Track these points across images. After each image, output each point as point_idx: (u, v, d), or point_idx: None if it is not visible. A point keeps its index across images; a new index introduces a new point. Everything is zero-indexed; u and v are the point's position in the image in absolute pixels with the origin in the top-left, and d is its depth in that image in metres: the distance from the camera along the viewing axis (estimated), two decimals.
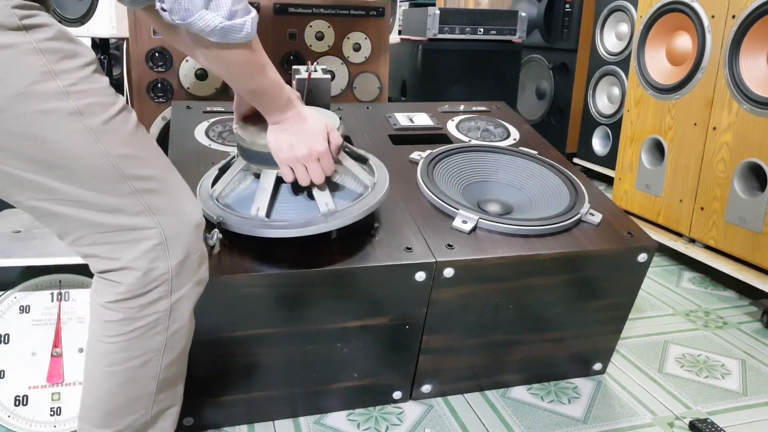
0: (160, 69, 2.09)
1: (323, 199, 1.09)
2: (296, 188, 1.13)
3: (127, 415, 0.94)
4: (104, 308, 0.89)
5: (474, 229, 1.29)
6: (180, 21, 0.82)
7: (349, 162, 1.16)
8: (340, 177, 1.17)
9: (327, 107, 1.64)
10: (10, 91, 0.75)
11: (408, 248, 1.22)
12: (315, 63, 2.37)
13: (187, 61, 2.08)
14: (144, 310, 0.89)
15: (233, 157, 1.21)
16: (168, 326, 0.92)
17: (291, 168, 1.06)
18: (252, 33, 0.87)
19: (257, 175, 1.14)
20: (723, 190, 1.95)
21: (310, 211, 1.10)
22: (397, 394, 1.36)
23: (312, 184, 1.08)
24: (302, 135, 1.03)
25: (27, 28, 0.75)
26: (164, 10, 0.82)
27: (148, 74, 2.09)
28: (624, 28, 2.96)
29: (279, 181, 1.11)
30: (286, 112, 1.02)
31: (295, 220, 1.08)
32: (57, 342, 1.23)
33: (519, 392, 1.43)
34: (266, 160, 1.08)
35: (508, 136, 1.70)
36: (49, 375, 1.21)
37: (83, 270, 1.19)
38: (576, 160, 3.30)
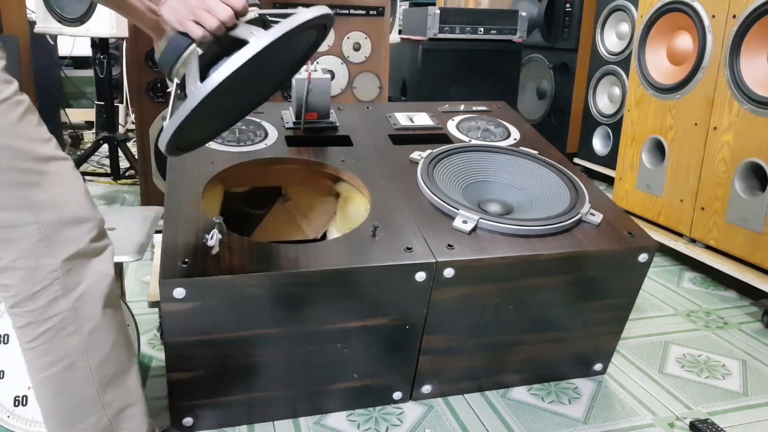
0: (159, 69, 2.08)
1: (245, 31, 0.94)
2: (220, 50, 0.98)
3: (80, 421, 0.92)
4: (11, 315, 0.87)
5: (474, 229, 1.29)
6: None
7: (271, 9, 1.02)
8: (263, 19, 1.02)
9: (327, 107, 1.65)
10: None
11: (408, 248, 1.22)
12: (315, 63, 2.37)
13: None
14: (45, 312, 0.86)
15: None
16: (80, 326, 0.88)
17: (196, 23, 0.91)
18: None
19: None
20: (724, 190, 1.95)
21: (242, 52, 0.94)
22: (397, 395, 1.36)
23: (227, 29, 0.93)
24: None
25: None
26: None
27: (147, 74, 2.09)
28: (624, 27, 2.96)
29: (202, 58, 0.97)
30: None
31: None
32: None
33: (519, 393, 1.43)
34: (176, 43, 0.96)
35: (509, 136, 1.70)
36: None
37: None
38: (576, 160, 3.30)
